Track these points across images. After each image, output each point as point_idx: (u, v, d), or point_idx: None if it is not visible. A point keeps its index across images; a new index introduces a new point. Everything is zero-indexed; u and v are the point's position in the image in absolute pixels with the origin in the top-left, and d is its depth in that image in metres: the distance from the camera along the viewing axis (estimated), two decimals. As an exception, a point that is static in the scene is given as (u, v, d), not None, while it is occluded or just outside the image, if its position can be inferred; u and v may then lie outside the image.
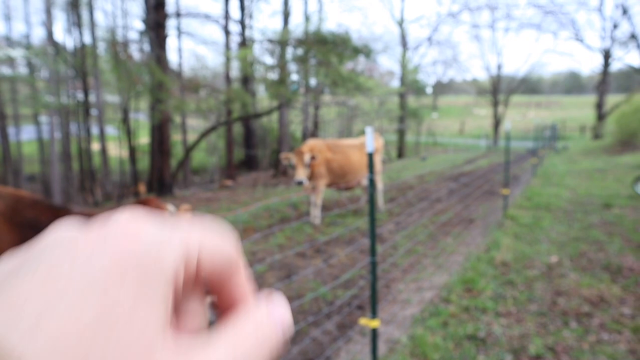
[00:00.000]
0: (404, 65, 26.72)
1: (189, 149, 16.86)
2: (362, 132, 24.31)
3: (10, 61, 16.45)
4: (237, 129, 22.13)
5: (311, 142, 6.87)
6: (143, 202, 1.76)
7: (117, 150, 19.50)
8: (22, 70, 17.66)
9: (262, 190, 12.64)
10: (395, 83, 29.89)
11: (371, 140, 2.39)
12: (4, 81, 15.21)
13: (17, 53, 17.15)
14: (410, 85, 27.24)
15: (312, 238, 5.86)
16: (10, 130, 17.86)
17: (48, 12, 14.80)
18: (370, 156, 2.43)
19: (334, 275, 4.50)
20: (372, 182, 2.43)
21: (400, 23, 27.37)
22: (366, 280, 4.13)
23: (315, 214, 6.59)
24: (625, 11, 14.99)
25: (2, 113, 16.15)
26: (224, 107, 14.50)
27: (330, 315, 3.52)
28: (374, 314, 2.47)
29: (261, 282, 4.36)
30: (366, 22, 58.40)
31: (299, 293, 4.01)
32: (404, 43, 27.50)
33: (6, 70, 16.34)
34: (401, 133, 27.72)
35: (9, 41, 17.44)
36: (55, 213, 1.74)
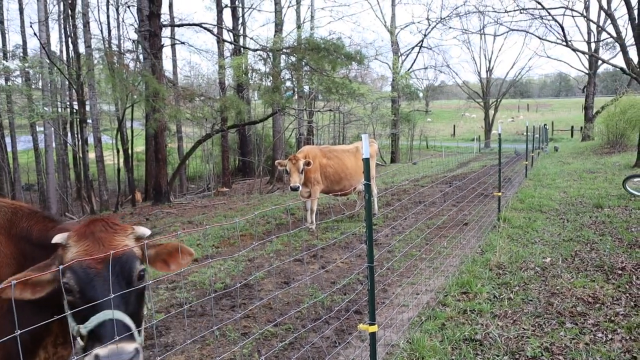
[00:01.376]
0: (395, 70, 26.95)
1: (184, 157, 16.84)
2: (357, 138, 24.42)
3: (7, 72, 16.41)
4: (232, 136, 22.14)
5: (306, 149, 6.95)
6: (95, 221, 1.65)
7: (113, 159, 19.44)
8: (18, 80, 17.62)
9: (257, 197, 12.65)
10: (388, 88, 30.07)
11: (367, 146, 2.45)
12: (0, 92, 15.17)
13: (13, 65, 17.10)
14: (402, 90, 27.43)
15: (309, 244, 5.89)
16: (7, 140, 17.78)
17: (43, 22, 14.80)
18: (367, 162, 2.48)
19: (332, 281, 4.53)
20: (368, 187, 2.48)
21: (392, 31, 27.64)
22: (363, 285, 4.16)
23: (311, 220, 6.64)
24: (609, 15, 15.31)
25: (-1, 123, 16.11)
26: (218, 115, 14.53)
27: (329, 320, 3.55)
28: (372, 319, 2.50)
29: (259, 289, 4.37)
30: (357, 29, 58.93)
31: (297, 299, 4.03)
32: (395, 49, 27.76)
33: (2, 82, 16.30)
34: (394, 138, 27.90)
35: (5, 52, 17.37)
36: (46, 225, 1.74)
